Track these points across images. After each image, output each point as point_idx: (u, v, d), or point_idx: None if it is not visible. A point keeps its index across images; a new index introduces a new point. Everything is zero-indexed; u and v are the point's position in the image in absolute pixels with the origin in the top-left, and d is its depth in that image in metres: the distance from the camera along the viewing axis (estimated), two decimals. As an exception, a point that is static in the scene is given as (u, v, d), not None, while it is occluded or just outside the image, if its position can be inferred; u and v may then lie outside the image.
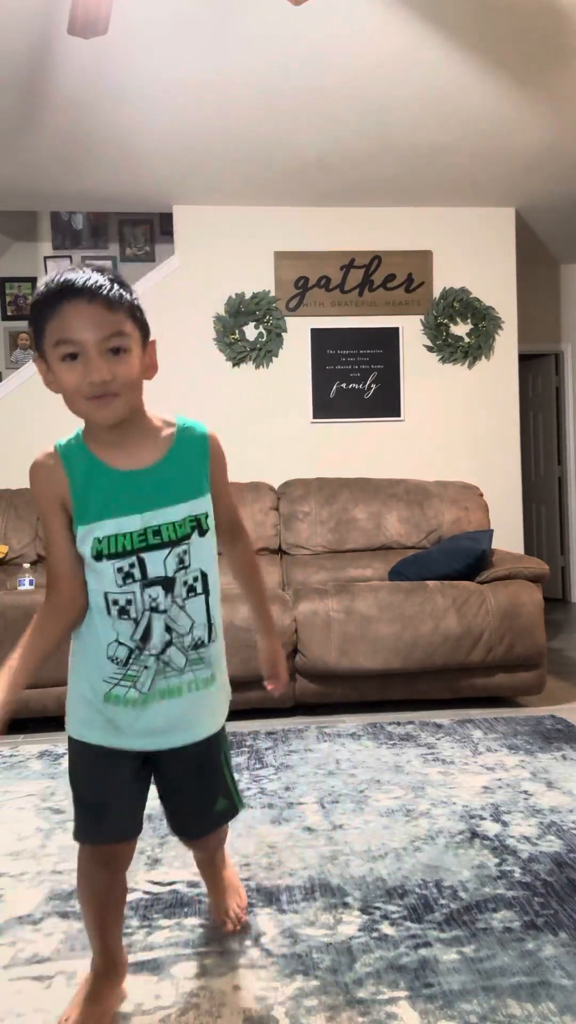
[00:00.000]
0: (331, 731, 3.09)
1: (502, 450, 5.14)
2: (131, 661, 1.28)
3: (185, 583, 1.28)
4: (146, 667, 1.28)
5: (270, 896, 1.81)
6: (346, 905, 1.75)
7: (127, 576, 1.25)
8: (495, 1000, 1.41)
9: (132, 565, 1.25)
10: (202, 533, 1.28)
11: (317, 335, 5.00)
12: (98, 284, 1.15)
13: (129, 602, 1.26)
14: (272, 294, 4.95)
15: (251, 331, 4.92)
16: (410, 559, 3.93)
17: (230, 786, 1.49)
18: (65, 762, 2.80)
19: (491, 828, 2.15)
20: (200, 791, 1.43)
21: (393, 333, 5.05)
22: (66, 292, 1.15)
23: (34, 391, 4.82)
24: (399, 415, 5.06)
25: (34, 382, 4.83)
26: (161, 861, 2.01)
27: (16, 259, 5.78)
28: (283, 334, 4.95)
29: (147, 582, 1.26)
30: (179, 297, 4.92)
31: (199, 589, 1.29)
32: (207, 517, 1.29)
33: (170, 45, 3.35)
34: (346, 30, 3.29)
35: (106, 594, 1.26)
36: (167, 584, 1.27)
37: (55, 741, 3.14)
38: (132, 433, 1.26)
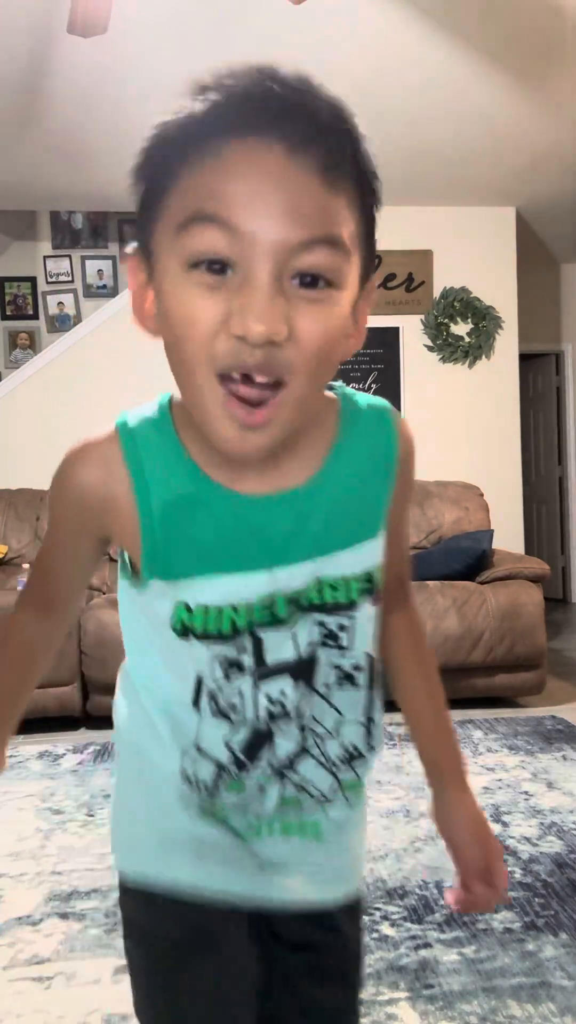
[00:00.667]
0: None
1: (502, 450, 5.13)
2: (220, 785, 0.69)
3: (338, 668, 0.70)
4: (262, 789, 0.69)
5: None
6: (346, 906, 1.75)
7: (232, 665, 0.67)
8: (495, 1001, 1.41)
9: (243, 650, 0.67)
10: (376, 600, 0.70)
11: (317, 335, 4.99)
12: (319, 115, 0.57)
13: (233, 706, 0.68)
14: (272, 294, 4.94)
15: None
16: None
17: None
18: (65, 762, 2.80)
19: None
20: (342, 994, 0.80)
21: (393, 333, 5.05)
22: (249, 112, 0.54)
23: (35, 392, 4.82)
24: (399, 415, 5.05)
25: (35, 381, 4.83)
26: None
27: (15, 258, 5.77)
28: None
29: (264, 671, 0.67)
30: (179, 297, 4.91)
31: (361, 682, 0.71)
32: (380, 570, 0.70)
33: (170, 44, 3.35)
34: (346, 30, 3.28)
35: (199, 679, 0.68)
36: (301, 671, 0.69)
37: (55, 742, 3.14)
38: (271, 440, 0.60)
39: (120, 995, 1.46)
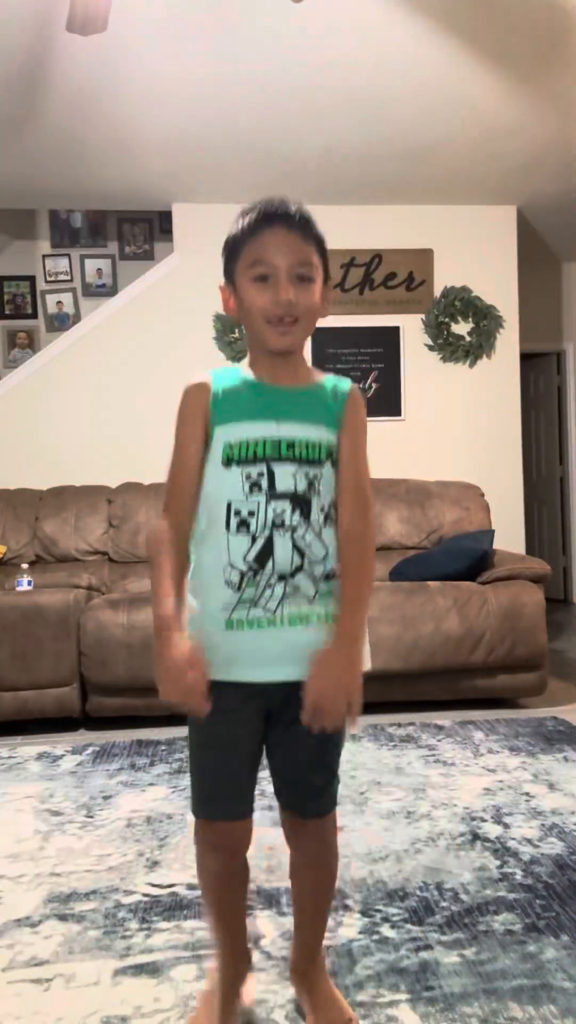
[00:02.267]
0: (331, 732, 3.08)
1: (503, 450, 5.13)
2: (244, 585, 1.20)
3: (322, 509, 1.23)
4: (270, 587, 1.21)
5: (270, 898, 1.79)
6: (347, 907, 1.74)
7: (254, 485, 1.21)
8: (496, 1003, 1.40)
9: (261, 474, 1.21)
10: (334, 465, 1.26)
11: (317, 334, 4.95)
12: (296, 214, 1.23)
13: (251, 513, 1.21)
14: (272, 293, 4.94)
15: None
16: (411, 559, 3.92)
17: (335, 770, 1.35)
18: (63, 763, 2.80)
19: (492, 830, 2.14)
20: (319, 755, 1.31)
21: (394, 332, 5.04)
22: (268, 218, 1.22)
23: (34, 391, 4.82)
24: (400, 414, 5.05)
25: (33, 381, 4.83)
26: (160, 863, 2.00)
27: (14, 258, 5.76)
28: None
29: (274, 494, 1.21)
30: (178, 296, 4.91)
31: (333, 518, 1.25)
32: (338, 452, 1.26)
33: (169, 43, 3.34)
34: (346, 28, 3.28)
35: (229, 503, 1.21)
36: (299, 503, 1.22)
37: (53, 743, 3.13)
38: (289, 365, 1.29)
39: (119, 997, 1.46)
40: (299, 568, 1.21)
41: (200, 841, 1.31)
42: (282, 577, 1.21)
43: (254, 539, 1.21)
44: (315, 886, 1.38)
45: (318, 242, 1.25)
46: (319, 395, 1.29)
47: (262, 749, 1.31)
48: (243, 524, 1.21)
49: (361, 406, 1.31)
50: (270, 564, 1.20)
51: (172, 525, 1.24)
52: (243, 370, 1.30)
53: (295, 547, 1.21)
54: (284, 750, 1.29)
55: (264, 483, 1.21)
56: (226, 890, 1.33)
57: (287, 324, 1.22)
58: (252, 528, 1.21)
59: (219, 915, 1.35)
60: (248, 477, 1.21)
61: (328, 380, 1.32)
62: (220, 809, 1.27)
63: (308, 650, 1.19)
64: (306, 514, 1.22)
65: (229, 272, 1.28)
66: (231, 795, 1.27)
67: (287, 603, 1.21)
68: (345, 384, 1.31)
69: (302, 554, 1.22)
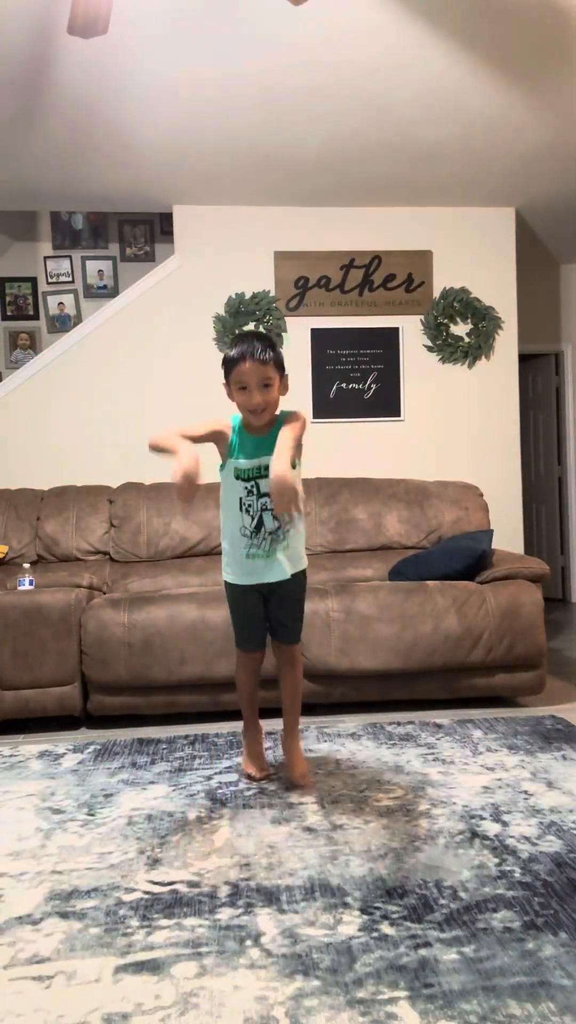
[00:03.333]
0: (331, 731, 3.09)
1: (502, 450, 5.14)
2: (251, 537, 2.39)
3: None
4: (266, 539, 2.39)
5: (270, 896, 1.81)
6: (346, 905, 1.75)
7: (250, 492, 2.37)
8: (495, 1000, 1.41)
9: (254, 485, 2.37)
10: (292, 467, 2.25)
11: (317, 335, 5.00)
12: (260, 352, 2.27)
13: (250, 506, 2.38)
14: (272, 294, 4.95)
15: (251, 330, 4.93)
16: (410, 559, 3.93)
17: (301, 621, 2.58)
18: (65, 762, 2.81)
19: (491, 828, 2.15)
20: (291, 610, 2.52)
21: (393, 333, 5.06)
22: (243, 357, 2.27)
23: (36, 392, 4.83)
24: (399, 415, 5.06)
25: (34, 382, 4.84)
26: (161, 861, 2.01)
27: (16, 259, 5.77)
28: (283, 334, 4.95)
29: (260, 495, 2.37)
30: (179, 297, 4.92)
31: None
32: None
33: (170, 45, 3.35)
34: (346, 30, 3.29)
35: (240, 499, 2.38)
36: (269, 496, 2.30)
37: (55, 741, 3.14)
38: (263, 423, 2.36)
39: (120, 994, 1.47)
40: (278, 528, 2.39)
41: (238, 663, 2.61)
42: (270, 533, 2.39)
43: (252, 517, 2.39)
44: (289, 684, 2.56)
45: (275, 360, 2.30)
46: (274, 434, 2.31)
47: (264, 614, 2.52)
48: (247, 509, 2.39)
49: (295, 417, 2.36)
50: (263, 528, 2.39)
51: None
52: (243, 423, 2.39)
53: (273, 519, 2.37)
54: (273, 611, 2.51)
55: (255, 489, 2.38)
56: (249, 688, 2.61)
57: (259, 412, 2.32)
58: (251, 511, 2.39)
59: (246, 704, 2.62)
60: (246, 487, 2.39)
61: (278, 420, 2.37)
62: (246, 644, 2.55)
63: (281, 568, 2.42)
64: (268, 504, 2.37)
65: (226, 379, 2.34)
66: (251, 638, 2.55)
67: (271, 546, 2.41)
68: (284, 414, 2.38)
69: (276, 519, 2.37)
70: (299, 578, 2.48)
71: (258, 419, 2.31)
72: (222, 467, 2.39)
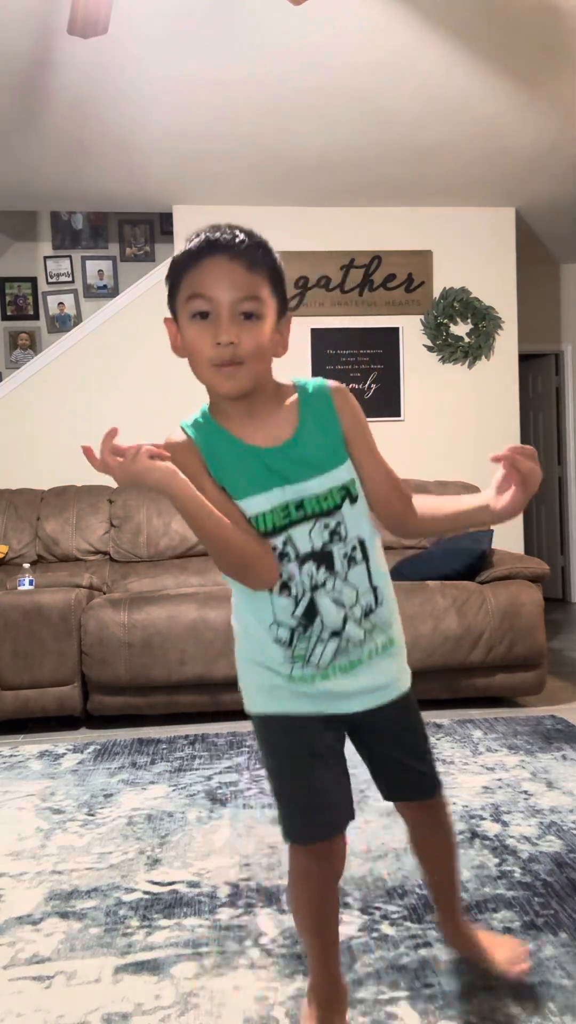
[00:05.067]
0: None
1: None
2: (295, 640, 1.20)
3: (345, 555, 1.20)
4: (322, 642, 1.21)
5: (270, 896, 1.80)
6: (346, 905, 1.75)
7: (282, 555, 1.19)
8: (495, 1000, 1.41)
9: (285, 543, 1.18)
10: (353, 501, 1.20)
11: (317, 335, 5.00)
12: (241, 241, 1.11)
13: (290, 577, 1.19)
14: (272, 294, 4.95)
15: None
16: (410, 559, 3.93)
17: (431, 753, 1.38)
18: (65, 762, 2.80)
19: (491, 828, 2.15)
20: (406, 747, 1.34)
21: (393, 333, 5.06)
22: (209, 246, 1.11)
23: (36, 392, 4.83)
24: (399, 415, 5.06)
25: (35, 382, 4.83)
26: (161, 861, 2.01)
27: (16, 259, 5.78)
28: (283, 334, 4.94)
29: (302, 558, 1.19)
30: (179, 297, 4.92)
31: (359, 558, 1.21)
32: (355, 483, 1.21)
33: (170, 45, 3.35)
34: (346, 30, 3.29)
35: None
36: (322, 558, 1.19)
37: (55, 741, 3.14)
38: (259, 406, 1.19)
39: (120, 994, 1.47)
40: (345, 619, 1.21)
41: (295, 872, 1.30)
42: (334, 633, 1.21)
43: (297, 600, 1.20)
44: (442, 859, 1.45)
45: (272, 271, 1.14)
46: (308, 435, 1.19)
47: (341, 765, 1.28)
48: (284, 587, 1.20)
49: (348, 399, 1.22)
50: (318, 621, 1.20)
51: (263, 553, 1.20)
52: (217, 419, 1.20)
53: (334, 602, 1.20)
54: (376, 748, 1.33)
55: (290, 551, 1.19)
56: (322, 913, 1.32)
57: (230, 367, 1.12)
58: (294, 591, 1.20)
59: (319, 947, 1.32)
60: (275, 548, 1.19)
61: (302, 397, 1.21)
62: (321, 829, 1.25)
63: (369, 684, 1.26)
64: (330, 566, 1.20)
65: (172, 305, 1.17)
66: (326, 806, 1.25)
67: (339, 656, 1.22)
68: (321, 387, 1.21)
69: (341, 604, 1.21)
70: (412, 696, 1.35)
71: (226, 383, 1.14)
72: None
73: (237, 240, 1.11)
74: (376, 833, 2.12)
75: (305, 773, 1.24)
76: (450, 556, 3.77)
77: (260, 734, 1.29)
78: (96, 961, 1.57)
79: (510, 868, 1.91)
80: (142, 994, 1.46)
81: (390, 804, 1.39)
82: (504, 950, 1.46)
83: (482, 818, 2.21)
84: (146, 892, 1.85)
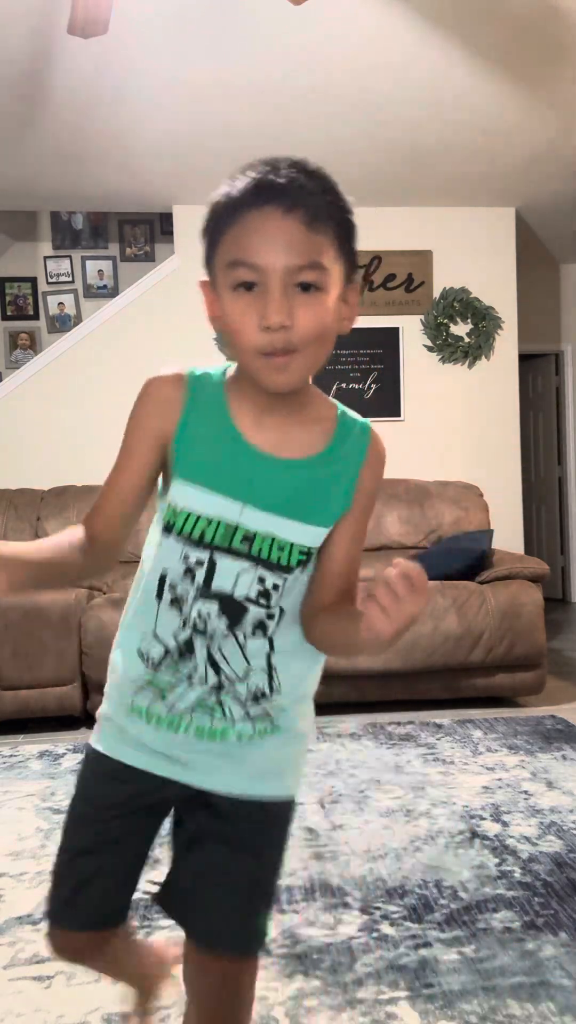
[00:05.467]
0: (331, 731, 3.09)
1: (502, 450, 5.14)
2: (163, 665, 0.94)
3: (257, 620, 0.93)
4: (187, 684, 0.94)
5: (270, 896, 1.81)
6: (346, 905, 1.75)
7: (188, 572, 0.92)
8: (495, 1000, 1.41)
9: (200, 563, 0.91)
10: (305, 568, 0.94)
11: (317, 335, 5.00)
12: (303, 188, 0.84)
13: (183, 598, 0.93)
14: (272, 294, 4.95)
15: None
16: (410, 559, 3.93)
17: (271, 901, 1.02)
18: (65, 762, 2.80)
19: (491, 828, 2.15)
20: (244, 879, 0.96)
21: (393, 333, 5.05)
22: (257, 192, 0.83)
23: (36, 392, 4.83)
24: (399, 415, 5.06)
25: (35, 382, 4.83)
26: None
27: (16, 259, 5.78)
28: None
29: (206, 592, 0.92)
30: (179, 297, 4.91)
31: (269, 630, 0.94)
32: (316, 552, 0.94)
33: (170, 45, 3.35)
34: (346, 30, 3.29)
35: (164, 575, 0.94)
36: (229, 609, 0.92)
37: (55, 741, 3.14)
38: (290, 404, 0.92)
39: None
40: (217, 686, 0.93)
41: (51, 946, 1.05)
42: (210, 686, 0.94)
43: (184, 623, 0.93)
44: None
45: (339, 229, 0.88)
46: (322, 474, 0.93)
47: (152, 838, 1.05)
48: (176, 602, 0.93)
49: (382, 461, 0.98)
50: (192, 662, 0.93)
51: (86, 535, 0.94)
52: (230, 394, 0.93)
53: (209, 657, 0.93)
54: (196, 857, 1.00)
55: (200, 574, 0.91)
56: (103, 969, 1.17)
57: (283, 357, 0.85)
58: (183, 611, 0.93)
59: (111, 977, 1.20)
60: (185, 558, 0.91)
61: (341, 422, 0.96)
62: (63, 910, 1.02)
63: (223, 761, 0.95)
64: (232, 623, 0.92)
65: (209, 264, 0.89)
66: (81, 899, 1.01)
67: (198, 713, 0.94)
68: (367, 430, 0.97)
69: (216, 669, 0.93)
70: (285, 815, 1.02)
71: (274, 376, 0.87)
72: (162, 492, 0.97)
73: (295, 186, 0.83)
74: (376, 833, 2.12)
75: (83, 833, 1.00)
76: (450, 556, 3.77)
77: (82, 764, 1.04)
78: (96, 961, 1.57)
79: (510, 868, 1.91)
80: (142, 994, 1.46)
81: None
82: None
83: (482, 818, 2.21)
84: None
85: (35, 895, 1.85)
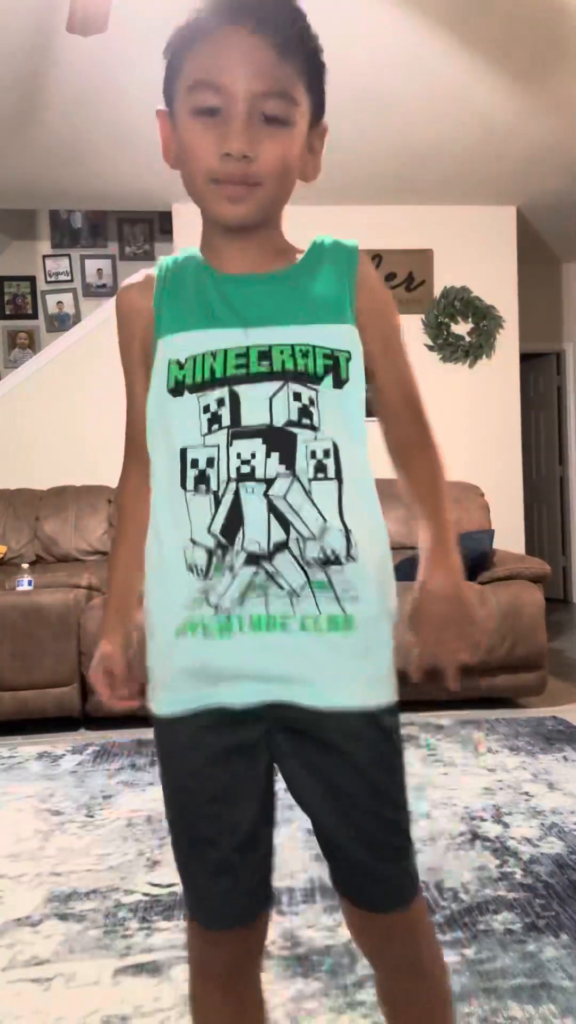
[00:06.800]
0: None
1: (503, 450, 5.13)
2: (212, 570, 0.82)
3: (314, 455, 0.82)
4: (229, 569, 0.81)
5: (270, 898, 1.80)
6: (346, 907, 1.75)
7: (213, 419, 0.81)
8: (496, 1002, 1.40)
9: (221, 401, 0.81)
10: (339, 383, 0.84)
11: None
12: (274, 10, 0.80)
13: (211, 462, 0.81)
14: (272, 293, 4.94)
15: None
16: (410, 559, 3.92)
17: (404, 845, 0.89)
18: (63, 763, 2.79)
19: (492, 829, 2.14)
20: (348, 810, 0.85)
21: (393, 332, 5.04)
22: (227, 10, 0.79)
23: (34, 391, 4.82)
24: (399, 415, 5.05)
25: (34, 381, 4.82)
26: (160, 863, 2.00)
27: (14, 258, 5.77)
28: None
29: (239, 431, 0.81)
30: (179, 296, 4.91)
31: (330, 471, 0.83)
32: (349, 361, 0.85)
33: (170, 43, 3.34)
34: (346, 29, 3.28)
35: (183, 450, 0.83)
36: (276, 440, 0.81)
37: (54, 742, 3.13)
38: (259, 242, 0.88)
39: (119, 996, 1.46)
40: (282, 545, 0.81)
41: (191, 960, 0.94)
42: (252, 559, 0.80)
43: (218, 500, 0.81)
44: (403, 1014, 0.93)
45: (307, 57, 0.83)
46: (308, 274, 0.88)
47: (262, 811, 0.89)
48: (202, 477, 0.82)
49: (375, 276, 0.91)
50: (240, 535, 0.81)
51: (133, 472, 0.95)
52: (202, 251, 0.91)
53: (272, 511, 0.80)
54: (307, 797, 0.87)
55: (226, 415, 0.81)
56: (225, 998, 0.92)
57: (239, 188, 0.81)
58: (212, 483, 0.81)
59: None
60: (206, 408, 0.82)
61: (316, 244, 0.92)
62: (208, 904, 0.90)
63: (293, 664, 0.82)
64: (288, 460, 0.81)
65: (168, 92, 0.86)
66: (220, 885, 0.87)
67: (253, 596, 0.81)
68: (348, 243, 0.92)
69: (285, 523, 0.81)
70: (380, 719, 0.87)
71: (230, 205, 0.83)
72: (154, 389, 0.90)
73: (267, 4, 0.80)
74: (376, 834, 2.12)
75: (199, 813, 0.87)
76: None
77: (155, 737, 0.92)
78: (95, 963, 1.57)
79: (511, 869, 1.90)
80: (141, 996, 1.45)
81: None
82: None
83: (483, 819, 2.21)
84: (145, 894, 1.84)
85: (34, 897, 1.84)
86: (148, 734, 0.93)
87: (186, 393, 0.83)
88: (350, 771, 0.84)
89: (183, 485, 0.83)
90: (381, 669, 0.87)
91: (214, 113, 0.80)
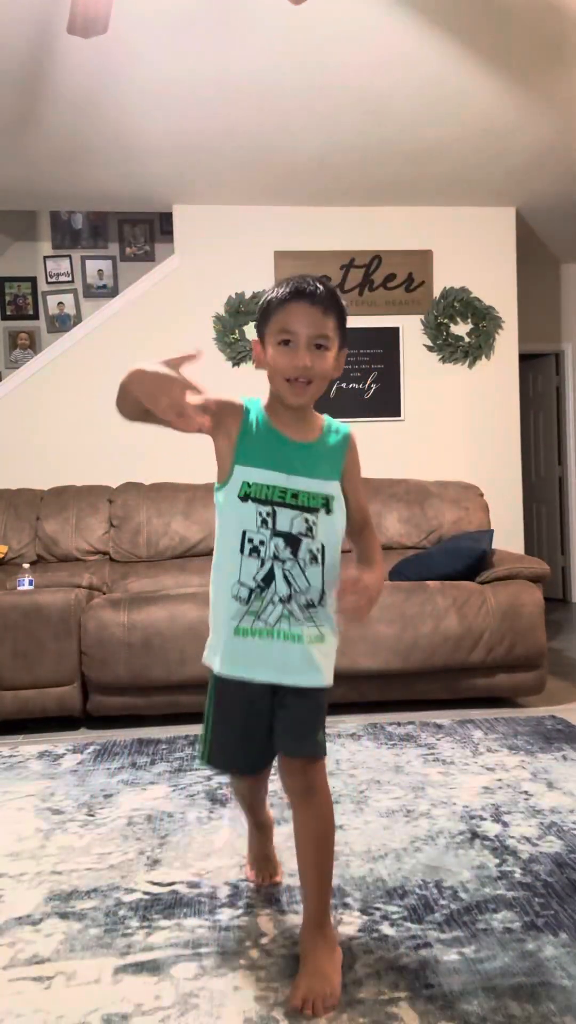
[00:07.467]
0: (331, 731, 3.09)
1: (502, 450, 5.13)
2: (252, 599, 1.49)
3: (310, 551, 1.50)
4: (272, 604, 1.50)
5: (270, 897, 1.80)
6: (346, 906, 1.75)
7: (263, 522, 1.49)
8: (495, 1001, 1.41)
9: (269, 514, 1.49)
10: (328, 512, 1.52)
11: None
12: (320, 292, 1.47)
13: (261, 543, 1.49)
14: (272, 294, 4.95)
15: (251, 331, 4.92)
16: (410, 559, 3.93)
17: (322, 732, 1.58)
18: (64, 762, 2.81)
19: (491, 829, 2.14)
20: (305, 722, 1.55)
21: (393, 333, 5.05)
22: (297, 294, 1.46)
23: (35, 392, 4.83)
24: (399, 415, 5.05)
25: (35, 382, 4.83)
26: (161, 862, 2.01)
27: (15, 259, 5.77)
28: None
29: (276, 532, 1.49)
30: (179, 297, 4.92)
31: (319, 560, 1.51)
32: (334, 500, 1.53)
33: (170, 44, 3.35)
34: (346, 30, 3.29)
35: (244, 532, 1.49)
36: (291, 541, 1.50)
37: (55, 741, 3.14)
38: (301, 417, 1.55)
39: (120, 994, 1.46)
40: (290, 596, 1.50)
41: (233, 782, 1.82)
42: (281, 599, 1.50)
43: (263, 563, 1.49)
44: (310, 837, 1.54)
45: (338, 315, 1.50)
46: (323, 449, 1.56)
47: (267, 725, 1.56)
48: (255, 550, 1.49)
49: (356, 448, 1.61)
50: (273, 586, 1.49)
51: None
52: (263, 409, 1.54)
53: (284, 577, 1.49)
54: (281, 719, 1.55)
55: (270, 521, 1.49)
56: (249, 799, 1.80)
57: (302, 384, 1.47)
58: (262, 554, 1.49)
59: (247, 810, 1.84)
60: (260, 513, 1.49)
61: (328, 425, 1.59)
62: (230, 765, 1.69)
63: (299, 663, 1.51)
64: (294, 552, 1.49)
65: (261, 332, 1.53)
66: (239, 758, 1.64)
67: (284, 621, 1.50)
68: (344, 429, 1.60)
69: (289, 584, 1.50)
70: (325, 689, 1.57)
71: (297, 396, 1.47)
72: (221, 485, 1.52)
73: (318, 292, 1.47)
74: (376, 833, 2.12)
75: (230, 729, 1.59)
76: (450, 556, 3.77)
77: (209, 687, 1.61)
78: (96, 961, 1.57)
79: (510, 868, 1.91)
80: (142, 994, 1.46)
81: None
82: (318, 981, 1.43)
83: (482, 819, 2.21)
84: (146, 892, 1.85)
85: (35, 895, 1.85)
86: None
87: (250, 501, 1.48)
88: (304, 707, 1.54)
89: (241, 551, 1.49)
90: (331, 665, 1.57)
91: (288, 343, 1.46)
